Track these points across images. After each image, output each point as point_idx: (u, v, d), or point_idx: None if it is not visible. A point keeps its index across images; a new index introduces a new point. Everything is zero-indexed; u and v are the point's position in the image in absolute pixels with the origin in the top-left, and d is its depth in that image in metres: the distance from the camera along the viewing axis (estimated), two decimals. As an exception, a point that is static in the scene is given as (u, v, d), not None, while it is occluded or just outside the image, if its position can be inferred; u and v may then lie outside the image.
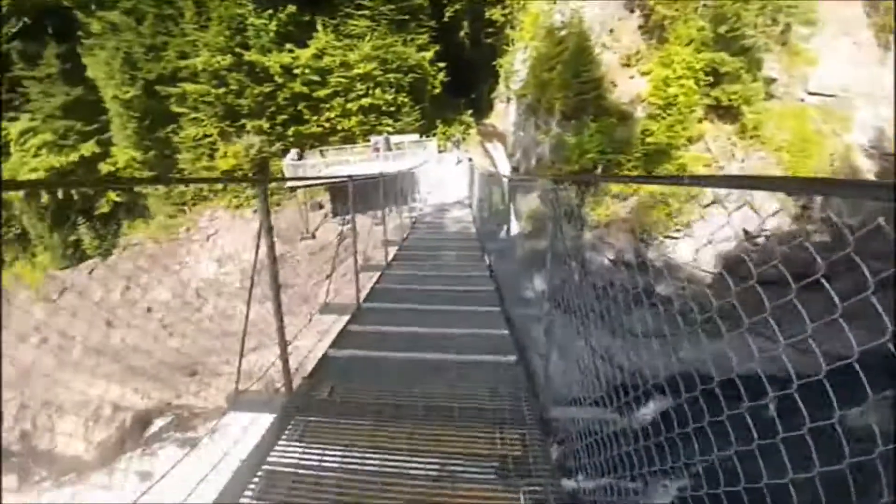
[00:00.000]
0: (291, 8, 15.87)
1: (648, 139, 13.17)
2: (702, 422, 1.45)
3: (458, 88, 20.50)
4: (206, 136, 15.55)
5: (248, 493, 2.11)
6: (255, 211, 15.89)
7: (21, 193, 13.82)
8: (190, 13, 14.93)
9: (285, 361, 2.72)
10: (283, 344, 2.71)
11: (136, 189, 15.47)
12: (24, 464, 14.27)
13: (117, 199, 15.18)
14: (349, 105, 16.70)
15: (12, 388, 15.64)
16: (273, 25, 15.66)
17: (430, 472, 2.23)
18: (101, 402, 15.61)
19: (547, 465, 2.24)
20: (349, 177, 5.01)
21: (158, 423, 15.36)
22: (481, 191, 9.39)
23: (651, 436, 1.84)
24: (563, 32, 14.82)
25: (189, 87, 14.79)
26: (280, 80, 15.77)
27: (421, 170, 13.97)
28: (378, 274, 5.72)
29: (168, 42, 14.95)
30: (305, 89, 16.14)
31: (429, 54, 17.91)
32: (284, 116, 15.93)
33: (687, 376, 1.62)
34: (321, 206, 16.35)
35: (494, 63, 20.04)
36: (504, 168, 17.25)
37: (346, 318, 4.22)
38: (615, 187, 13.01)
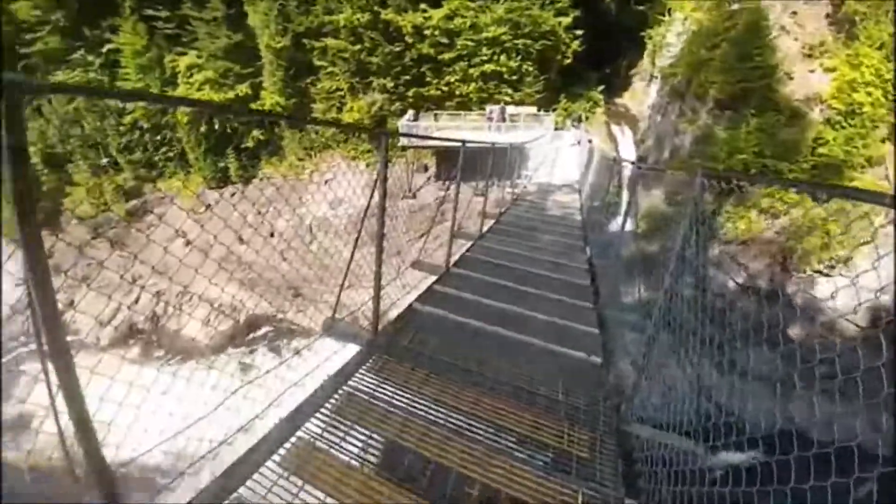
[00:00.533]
0: None
1: (820, 149, 10.92)
2: (787, 484, 1.36)
3: (592, 60, 18.95)
4: (337, 89, 17.04)
5: (328, 405, 2.45)
6: (367, 164, 17.26)
7: (186, 119, 16.92)
8: (340, -30, 16.08)
9: (377, 303, 3.01)
10: (378, 287, 2.99)
11: (277, 130, 17.86)
12: (149, 340, 18.27)
13: (261, 137, 17.72)
14: (471, 70, 16.68)
15: (156, 276, 19.95)
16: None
17: (488, 442, 2.33)
18: (223, 301, 19.15)
19: (613, 477, 2.20)
20: (462, 142, 5.10)
21: (263, 329, 18.37)
22: (597, 177, 8.81)
23: (737, 483, 1.75)
24: (735, 6, 12.65)
25: (330, 41, 16.20)
26: (410, 41, 16.35)
27: (533, 145, 13.54)
28: (470, 243, 5.85)
29: (318, -2, 16.42)
30: (432, 51, 16.50)
31: (567, 20, 16.83)
32: (408, 77, 16.61)
33: (789, 434, 1.48)
34: (426, 169, 17.04)
35: (643, 34, 18.01)
36: (628, 156, 15.83)
37: (433, 278, 4.46)
38: (766, 201, 11.10)
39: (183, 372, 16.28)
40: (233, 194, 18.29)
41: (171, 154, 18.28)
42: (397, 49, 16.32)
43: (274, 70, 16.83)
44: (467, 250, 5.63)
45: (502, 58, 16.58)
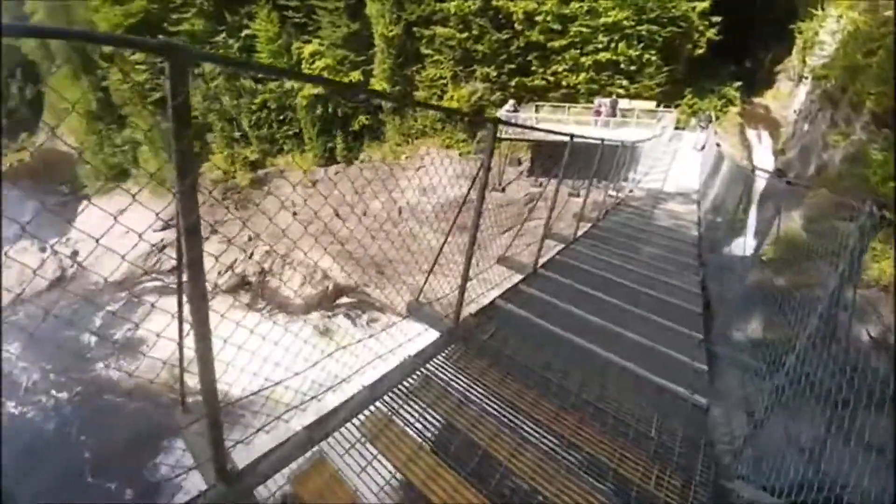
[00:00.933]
0: None
1: None
2: None
3: (729, 52, 16.68)
4: (441, 77, 17.46)
5: (406, 383, 2.53)
6: (460, 154, 17.48)
7: (305, 102, 18.77)
8: (455, -43, 16.28)
9: (462, 293, 3.02)
10: (465, 278, 2.99)
11: (380, 115, 18.98)
12: (256, 292, 20.78)
13: (366, 121, 18.99)
14: (583, 59, 15.82)
15: (270, 238, 22.65)
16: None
17: (564, 461, 2.20)
18: (317, 268, 21.19)
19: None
20: (570, 136, 4.83)
21: (346, 299, 19.98)
22: (725, 188, 7.71)
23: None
24: (889, 12, 10.17)
25: (439, 30, 16.58)
26: (519, 27, 16.02)
27: (646, 145, 12.38)
28: (562, 246, 5.57)
29: (432, -15, 16.85)
30: (542, 38, 15.97)
31: (703, 4, 15.09)
32: (512, 66, 16.34)
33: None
34: (519, 163, 16.68)
35: (792, 26, 15.41)
36: (764, 167, 13.69)
37: (519, 276, 4.34)
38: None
39: (280, 324, 18.45)
40: (336, 173, 19.97)
41: (290, 133, 20.50)
42: (505, 37, 16.11)
43: (384, 58, 17.80)
44: (558, 253, 5.38)
45: (621, 45, 15.42)
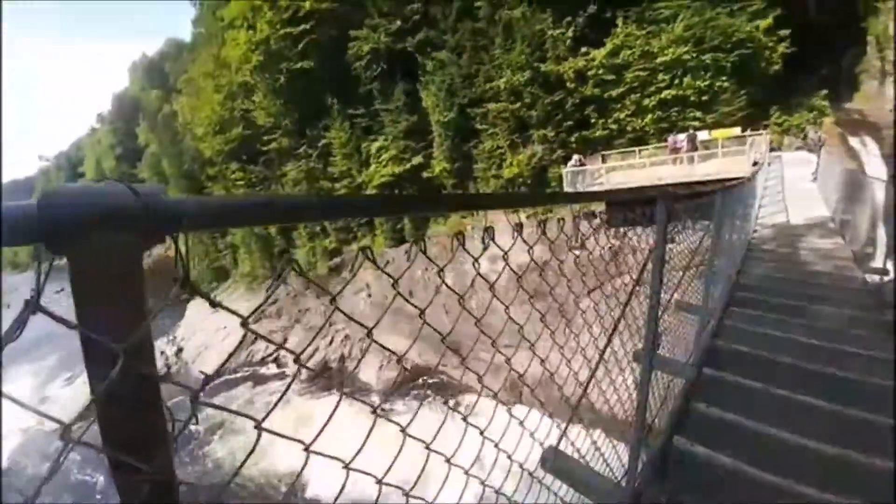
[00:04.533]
0: (592, 8, 15.59)
1: None
2: None
3: (803, 63, 14.78)
4: (497, 147, 17.34)
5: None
6: (527, 216, 16.63)
7: (374, 191, 19.74)
8: (499, 39, 16.92)
9: (635, 455, 1.80)
10: (641, 424, 1.78)
11: (445, 193, 19.19)
12: (334, 376, 20.27)
13: (429, 200, 19.36)
14: (645, 101, 14.82)
15: (347, 324, 22.73)
16: (570, 33, 15.73)
17: None
18: (393, 351, 20.49)
19: None
20: (722, 182, 3.60)
21: (423, 380, 18.75)
22: (871, 210, 5.77)
23: None
24: None
25: (491, 105, 16.76)
26: (570, 86, 15.67)
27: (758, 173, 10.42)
28: (709, 322, 4.01)
29: (479, 69, 17.44)
30: (596, 91, 15.41)
31: (765, 22, 13.70)
32: (569, 123, 15.73)
33: None
34: (594, 216, 15.33)
35: (863, 25, 13.45)
36: (878, 174, 10.99)
37: (679, 382, 2.98)
38: None
39: (362, 413, 17.54)
40: (406, 252, 20.07)
41: (362, 220, 21.42)
42: (557, 98, 15.75)
43: (442, 140, 18.31)
44: (716, 337, 3.88)
45: (686, 79, 14.28)
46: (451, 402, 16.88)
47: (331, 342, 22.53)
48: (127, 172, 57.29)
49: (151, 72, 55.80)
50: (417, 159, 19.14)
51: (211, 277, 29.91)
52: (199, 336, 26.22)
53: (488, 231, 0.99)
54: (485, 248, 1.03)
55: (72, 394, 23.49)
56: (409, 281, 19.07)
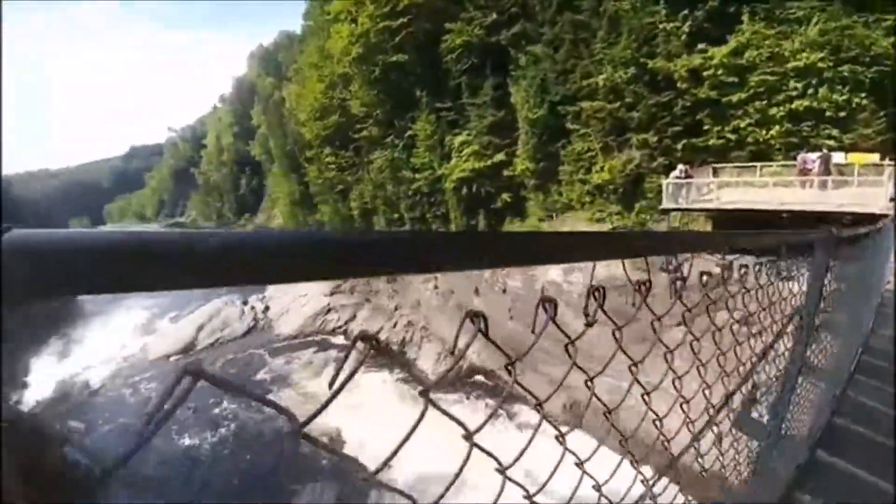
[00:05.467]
0: (713, 2, 13.68)
1: None
2: None
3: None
4: (588, 150, 16.09)
5: None
6: (613, 227, 15.31)
7: (452, 186, 19.63)
8: (602, 32, 15.55)
9: None
10: None
11: (522, 192, 18.51)
12: (393, 357, 20.71)
13: (508, 199, 18.67)
14: (772, 110, 12.66)
15: (412, 311, 23.21)
16: (686, 27, 13.96)
17: None
18: (452, 345, 20.51)
19: None
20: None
21: (480, 378, 18.50)
22: None
23: None
24: None
25: (586, 104, 15.50)
26: (682, 87, 13.91)
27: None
28: (832, 395, 3.08)
29: (576, 64, 16.25)
30: (713, 94, 13.46)
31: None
32: (677, 128, 13.99)
33: None
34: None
35: None
36: None
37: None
38: None
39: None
40: (478, 249, 19.83)
41: (438, 213, 21.56)
42: (665, 99, 14.08)
43: (528, 138, 17.51)
44: (836, 413, 2.99)
45: (821, 90, 11.93)
46: (499, 407, 16.48)
47: (394, 325, 23.32)
48: (241, 149, 64.55)
49: (266, 61, 61.73)
50: (499, 156, 18.61)
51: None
52: (285, 298, 28.79)
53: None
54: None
55: (175, 330, 27.42)
56: (476, 278, 18.83)
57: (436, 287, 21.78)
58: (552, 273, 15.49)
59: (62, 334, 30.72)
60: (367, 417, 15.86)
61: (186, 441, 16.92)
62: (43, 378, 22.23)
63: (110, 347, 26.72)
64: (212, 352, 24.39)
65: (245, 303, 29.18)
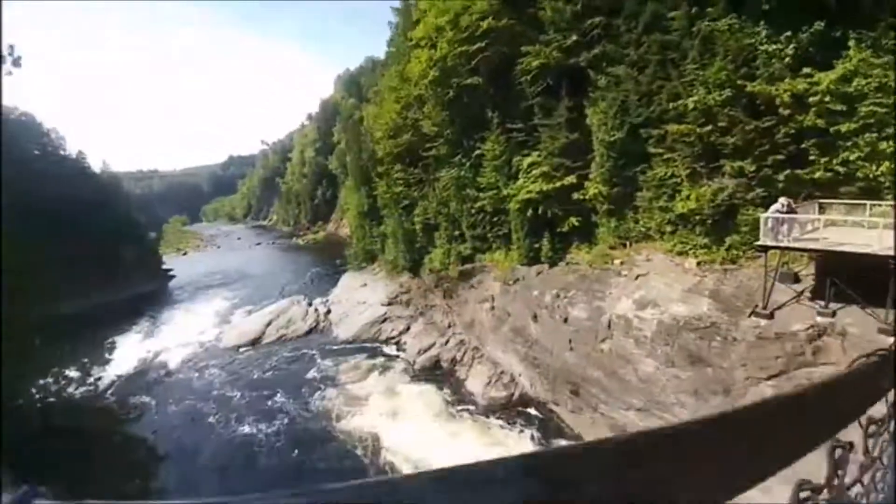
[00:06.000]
0: (818, 25, 12.25)
1: None
2: None
3: None
4: (672, 176, 14.87)
5: None
6: (698, 263, 13.79)
7: (517, 206, 19.16)
8: (694, 53, 14.51)
9: None
10: None
11: (594, 217, 17.53)
12: (444, 380, 20.00)
13: (576, 223, 17.76)
14: (882, 144, 10.99)
15: (465, 330, 22.69)
16: (790, 49, 12.58)
17: None
18: (505, 370, 19.61)
19: None
20: None
21: (531, 411, 17.30)
22: None
23: None
24: None
25: (673, 127, 14.40)
26: (785, 112, 12.45)
27: None
28: None
29: (663, 86, 15.25)
30: (820, 122, 11.94)
31: None
32: (779, 156, 12.50)
33: None
34: (796, 279, 11.77)
35: None
36: None
37: None
38: None
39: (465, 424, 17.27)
40: (538, 273, 18.98)
41: (500, 232, 21.13)
42: (765, 125, 12.67)
43: (603, 161, 16.64)
44: None
45: None
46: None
47: (446, 342, 22.97)
48: (321, 162, 70.00)
49: (350, 83, 66.93)
50: (570, 179, 17.88)
51: (362, 257, 33.92)
52: (345, 304, 29.99)
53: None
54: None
55: (247, 322, 29.36)
56: (535, 304, 17.98)
57: (492, 308, 21.20)
58: (622, 305, 14.28)
59: (150, 316, 34.45)
60: (403, 425, 16.64)
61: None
62: (127, 355, 24.73)
63: (189, 333, 29.40)
64: (274, 346, 25.87)
65: (310, 304, 30.78)
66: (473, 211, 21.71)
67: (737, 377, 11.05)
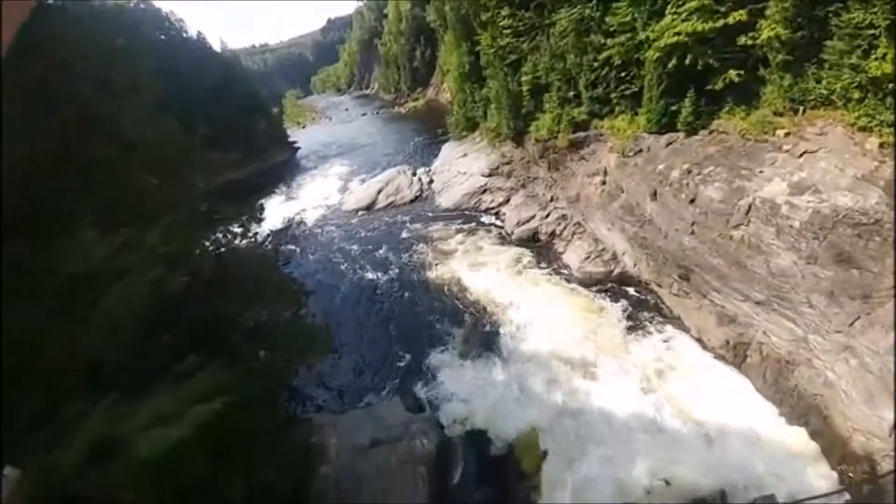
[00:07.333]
0: None
1: None
2: None
3: None
4: (871, 25, 9.98)
5: None
6: (882, 144, 10.07)
7: (656, 55, 15.29)
8: None
9: None
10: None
11: (761, 71, 13.29)
12: (542, 249, 20.91)
13: (735, 78, 13.61)
14: None
15: (569, 205, 21.80)
16: None
17: None
18: (607, 247, 19.02)
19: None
20: None
21: (628, 289, 17.20)
22: None
23: None
24: None
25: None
26: None
27: None
28: None
29: None
30: None
31: None
32: None
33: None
34: None
35: None
36: None
37: None
38: None
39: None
40: (668, 144, 16.20)
41: (627, 92, 17.60)
42: None
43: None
44: None
45: None
46: (652, 327, 15.30)
47: (547, 216, 22.59)
48: (418, 15, 63.70)
49: None
50: (738, 15, 13.36)
51: (463, 125, 32.74)
52: (446, 175, 30.92)
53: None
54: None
55: (362, 189, 32.80)
56: (657, 180, 15.80)
57: (603, 182, 19.54)
58: (773, 188, 11.83)
59: (289, 182, 40.89)
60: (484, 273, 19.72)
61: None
62: (275, 214, 30.68)
63: (318, 197, 34.91)
64: (385, 211, 28.93)
65: (414, 174, 32.46)
66: (596, 64, 18.28)
67: (884, 284, 9.20)
